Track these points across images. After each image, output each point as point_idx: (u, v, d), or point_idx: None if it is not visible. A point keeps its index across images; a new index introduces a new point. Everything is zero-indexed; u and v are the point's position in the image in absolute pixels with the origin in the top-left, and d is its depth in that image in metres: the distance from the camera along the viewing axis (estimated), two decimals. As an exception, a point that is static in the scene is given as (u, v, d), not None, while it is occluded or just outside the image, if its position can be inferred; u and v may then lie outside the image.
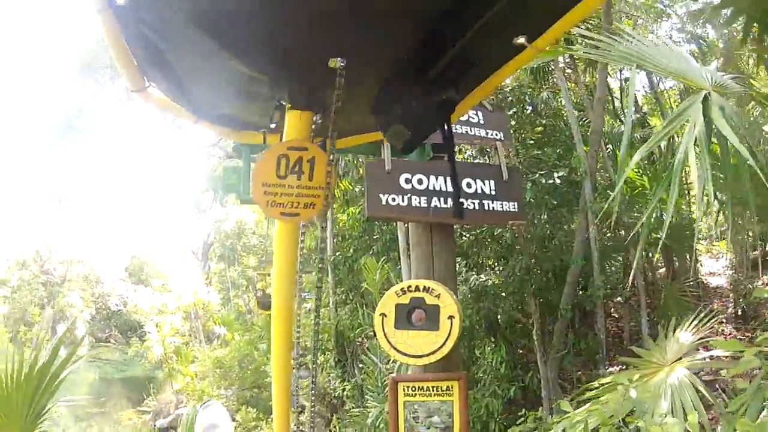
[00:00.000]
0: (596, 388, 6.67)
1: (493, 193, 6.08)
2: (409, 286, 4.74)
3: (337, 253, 16.80)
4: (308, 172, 2.42)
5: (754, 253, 15.65)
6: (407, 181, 5.74)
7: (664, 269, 17.68)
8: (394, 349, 4.65)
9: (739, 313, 13.94)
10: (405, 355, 4.66)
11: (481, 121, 6.62)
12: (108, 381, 39.61)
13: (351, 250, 16.31)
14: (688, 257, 15.78)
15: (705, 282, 17.09)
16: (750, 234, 14.06)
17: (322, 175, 2.47)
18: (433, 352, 4.58)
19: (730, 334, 12.73)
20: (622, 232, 14.26)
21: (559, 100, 15.13)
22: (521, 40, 2.12)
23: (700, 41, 18.23)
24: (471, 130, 6.56)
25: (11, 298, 45.65)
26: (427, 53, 2.18)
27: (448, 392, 4.70)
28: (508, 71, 2.60)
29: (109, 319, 51.86)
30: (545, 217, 11.77)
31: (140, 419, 28.65)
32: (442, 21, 2.02)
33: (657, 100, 20.63)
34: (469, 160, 12.23)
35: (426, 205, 5.73)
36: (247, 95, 2.65)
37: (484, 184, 6.10)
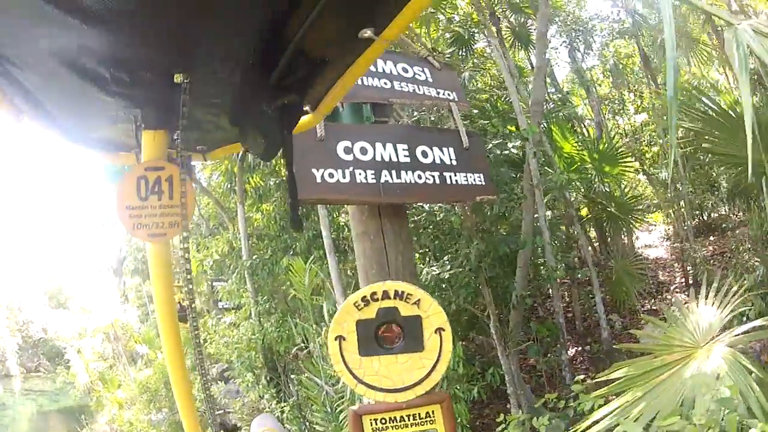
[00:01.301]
0: (605, 382, 5.86)
1: (454, 163, 5.03)
2: (374, 293, 3.30)
3: (254, 257, 14.81)
4: (167, 191, 2.25)
5: (693, 222, 15.60)
6: (347, 150, 4.55)
7: (597, 245, 17.31)
8: (363, 384, 3.30)
9: (691, 281, 13.44)
10: (381, 390, 3.33)
11: (429, 79, 5.48)
12: (45, 414, 37.29)
13: (269, 252, 14.49)
14: (625, 232, 15.54)
15: (644, 255, 16.94)
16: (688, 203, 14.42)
17: (180, 194, 2.25)
18: (420, 381, 3.31)
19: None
20: (562, 210, 13.78)
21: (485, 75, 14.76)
22: (368, 33, 1.84)
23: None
24: (419, 89, 5.35)
25: None
26: (269, 55, 1.90)
27: (429, 420, 3.44)
28: (360, 69, 2.21)
29: (36, 347, 49.50)
30: (502, 194, 10.18)
31: None
32: (280, 19, 1.77)
33: (581, 76, 20.64)
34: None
35: (374, 181, 4.53)
36: (109, 118, 2.32)
37: (442, 152, 5.02)
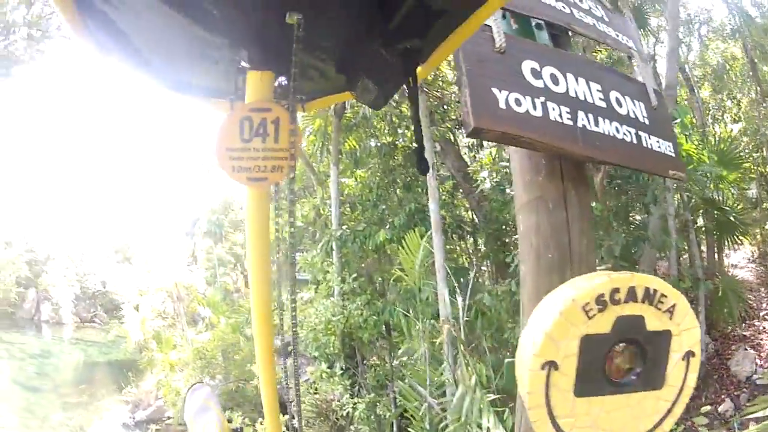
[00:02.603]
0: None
1: (646, 122, 3.91)
2: (615, 292, 1.84)
3: (344, 227, 13.26)
4: (273, 134, 2.05)
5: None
6: (535, 73, 3.38)
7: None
8: (569, 439, 1.88)
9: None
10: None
11: (605, 18, 4.44)
12: (92, 365, 36.80)
13: (362, 224, 12.97)
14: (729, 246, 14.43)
15: (732, 274, 15.32)
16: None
17: (288, 136, 2.07)
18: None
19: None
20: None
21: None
22: None
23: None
24: (599, 25, 4.31)
25: None
26: (388, 2, 1.84)
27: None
28: (472, 26, 1.97)
29: (94, 298, 49.09)
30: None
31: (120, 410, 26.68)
32: None
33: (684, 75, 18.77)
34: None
35: (571, 122, 3.34)
36: (208, 60, 2.16)
37: (635, 105, 3.91)
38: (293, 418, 2.62)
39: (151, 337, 26.92)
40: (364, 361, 13.14)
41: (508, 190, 10.40)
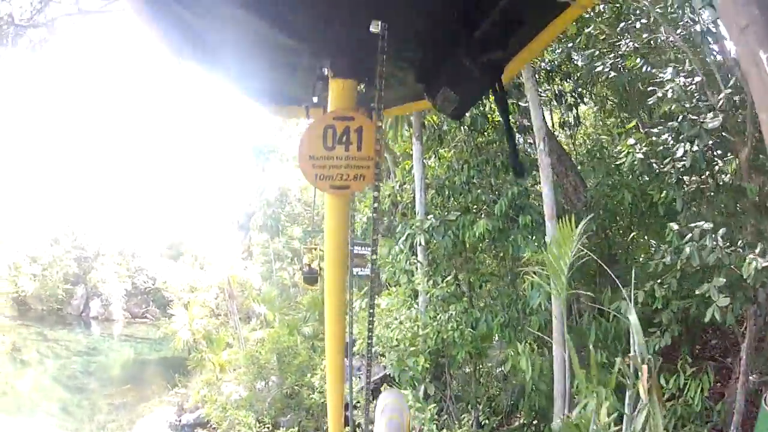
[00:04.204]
0: None
1: None
2: None
3: (429, 217, 10.76)
4: (356, 143, 2.23)
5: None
6: None
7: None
8: None
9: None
10: None
11: None
12: (141, 363, 36.01)
13: (455, 213, 10.49)
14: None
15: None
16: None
17: (370, 145, 2.26)
18: None
19: None
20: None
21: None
22: None
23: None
24: None
25: (41, 276, 43.62)
26: (471, 13, 2.03)
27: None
28: (556, 29, 2.28)
29: (146, 294, 48.22)
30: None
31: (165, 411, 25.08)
32: None
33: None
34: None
35: None
36: (288, 67, 2.53)
37: None
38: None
39: (201, 337, 25.65)
40: (451, 386, 10.85)
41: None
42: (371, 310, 2.63)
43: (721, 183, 8.69)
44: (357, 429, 10.22)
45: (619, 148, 9.77)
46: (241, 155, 33.81)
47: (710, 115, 7.82)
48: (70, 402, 26.94)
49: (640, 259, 10.39)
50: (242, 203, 35.10)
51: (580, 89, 12.62)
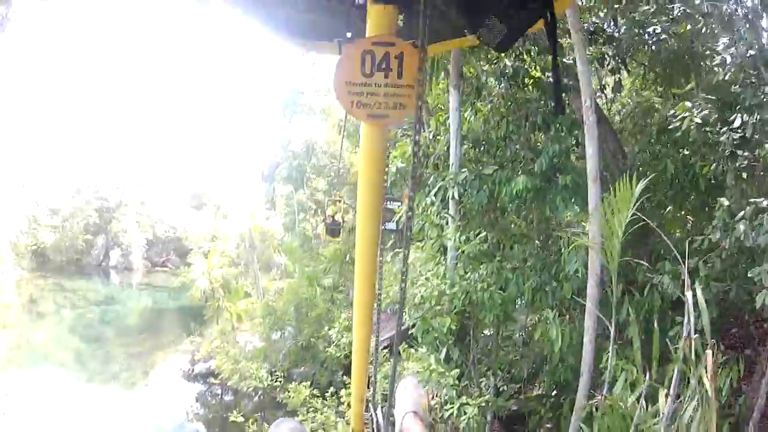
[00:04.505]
0: None
1: None
2: None
3: (463, 171, 10.16)
4: (396, 69, 2.12)
5: None
6: None
7: None
8: None
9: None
10: None
11: None
12: (158, 311, 36.48)
13: (491, 167, 9.90)
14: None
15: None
16: None
17: (411, 73, 2.13)
18: None
19: None
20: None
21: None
22: None
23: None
24: None
25: (61, 227, 44.41)
26: None
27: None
28: None
29: (166, 242, 49.16)
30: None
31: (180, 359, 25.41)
32: None
33: None
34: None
35: None
36: None
37: None
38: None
39: (219, 286, 25.52)
40: (478, 352, 10.28)
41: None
42: (404, 268, 2.34)
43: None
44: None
45: (671, 111, 9.06)
46: (268, 105, 33.49)
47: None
48: (85, 352, 27.15)
49: (676, 234, 9.98)
50: (268, 154, 34.76)
51: (623, 54, 11.88)
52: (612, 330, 6.89)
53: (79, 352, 27.04)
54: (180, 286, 30.37)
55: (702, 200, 9.51)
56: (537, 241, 10.26)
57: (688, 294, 5.38)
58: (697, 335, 5.26)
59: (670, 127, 8.90)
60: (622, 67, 11.42)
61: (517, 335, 11.16)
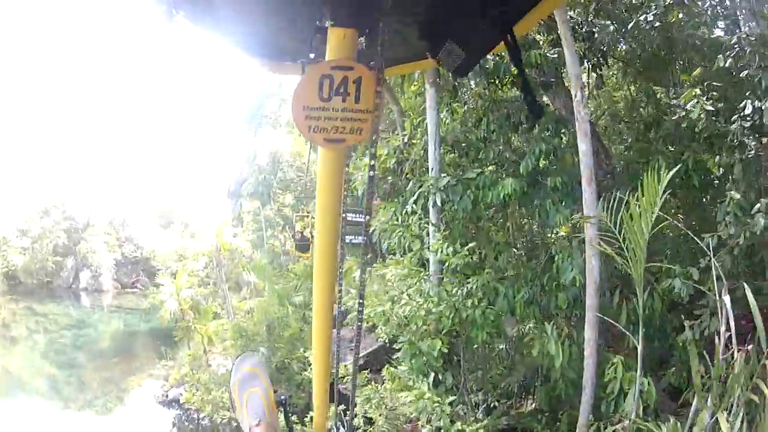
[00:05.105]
0: None
1: None
2: None
3: (444, 176, 9.37)
4: (354, 94, 2.06)
5: None
6: None
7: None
8: None
9: None
10: None
11: None
12: (129, 334, 35.63)
13: (474, 171, 9.20)
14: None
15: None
16: None
17: (369, 96, 2.08)
18: None
19: None
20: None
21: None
22: None
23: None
24: None
25: (31, 249, 43.87)
26: None
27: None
28: None
29: (136, 263, 48.04)
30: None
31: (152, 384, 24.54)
32: None
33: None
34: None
35: None
36: (286, 17, 2.35)
37: None
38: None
39: (189, 307, 24.49)
40: (467, 374, 9.38)
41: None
42: (362, 283, 2.42)
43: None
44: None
45: (675, 101, 8.74)
46: (233, 120, 33.35)
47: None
48: (59, 378, 26.39)
49: (670, 234, 9.49)
50: (234, 169, 34.55)
51: (604, 48, 11.38)
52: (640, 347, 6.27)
53: (54, 378, 26.40)
54: (150, 307, 29.72)
55: (695, 197, 9.06)
56: (520, 250, 9.81)
57: (726, 298, 5.11)
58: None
59: (667, 119, 8.62)
60: (603, 63, 11.01)
61: (500, 347, 10.38)
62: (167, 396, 22.48)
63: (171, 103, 75.19)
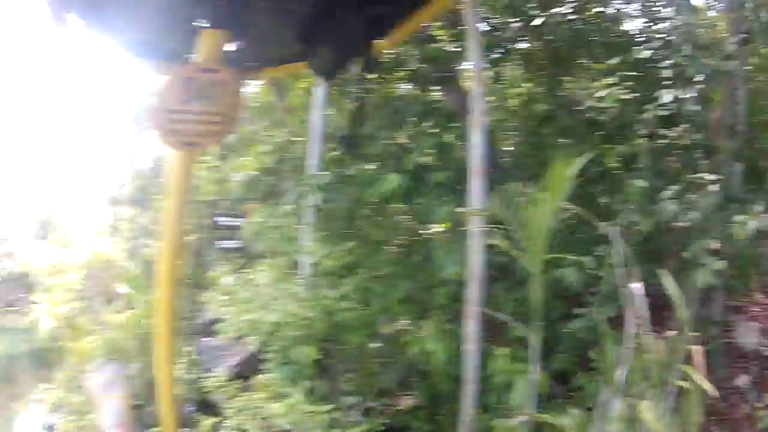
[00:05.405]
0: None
1: None
2: None
3: (325, 173, 9.10)
4: (215, 96, 2.32)
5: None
6: None
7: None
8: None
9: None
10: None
11: None
12: (9, 357, 31.61)
13: (354, 167, 9.12)
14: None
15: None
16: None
17: (231, 99, 2.37)
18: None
19: None
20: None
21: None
22: None
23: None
24: None
25: None
26: None
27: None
28: (436, 7, 2.69)
29: (17, 279, 45.81)
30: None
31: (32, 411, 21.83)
32: None
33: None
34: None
35: None
36: (169, 17, 2.50)
37: None
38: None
39: (65, 325, 23.34)
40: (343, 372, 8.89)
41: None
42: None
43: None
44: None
45: (585, 92, 9.18)
46: (117, 123, 32.52)
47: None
48: None
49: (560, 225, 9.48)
50: (114, 175, 33.56)
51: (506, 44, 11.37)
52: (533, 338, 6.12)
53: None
54: (30, 327, 28.05)
55: (585, 190, 9.12)
56: (400, 248, 9.53)
57: (637, 284, 5.07)
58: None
59: (563, 113, 9.10)
60: (505, 59, 11.12)
61: (381, 345, 10.10)
62: (48, 424, 21.31)
63: (54, 104, 72.90)
